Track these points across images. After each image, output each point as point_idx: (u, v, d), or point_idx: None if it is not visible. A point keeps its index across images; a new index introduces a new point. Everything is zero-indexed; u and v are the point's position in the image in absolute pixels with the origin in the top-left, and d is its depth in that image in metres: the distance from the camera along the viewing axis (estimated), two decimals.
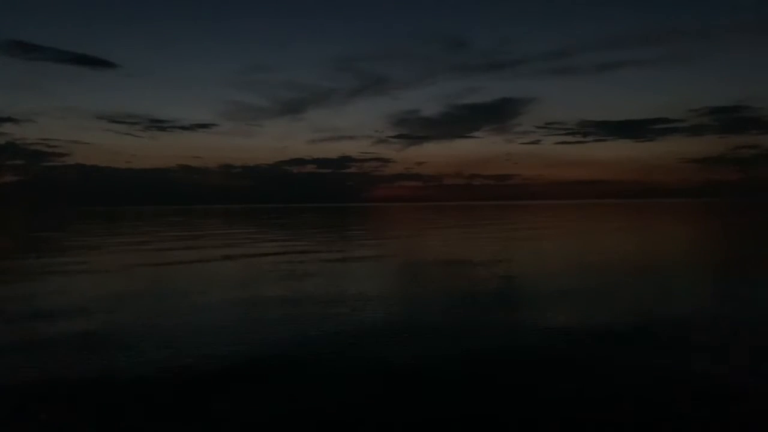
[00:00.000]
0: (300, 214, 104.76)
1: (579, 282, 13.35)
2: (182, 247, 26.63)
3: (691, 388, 5.82)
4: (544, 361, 6.85)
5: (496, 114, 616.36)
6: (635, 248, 22.54)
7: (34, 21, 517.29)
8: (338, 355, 7.18)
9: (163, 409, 5.45)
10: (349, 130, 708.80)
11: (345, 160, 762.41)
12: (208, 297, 11.73)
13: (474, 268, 16.15)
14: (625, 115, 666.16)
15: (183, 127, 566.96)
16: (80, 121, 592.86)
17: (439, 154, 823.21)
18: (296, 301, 11.03)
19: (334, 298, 11.27)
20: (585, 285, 12.87)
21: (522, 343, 7.69)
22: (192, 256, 21.43)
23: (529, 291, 12.12)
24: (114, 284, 13.90)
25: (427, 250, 23.20)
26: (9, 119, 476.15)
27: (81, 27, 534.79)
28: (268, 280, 14.36)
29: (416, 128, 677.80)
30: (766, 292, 12.07)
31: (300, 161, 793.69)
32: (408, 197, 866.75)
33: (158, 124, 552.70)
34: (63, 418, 5.31)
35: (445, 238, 30.66)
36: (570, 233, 33.76)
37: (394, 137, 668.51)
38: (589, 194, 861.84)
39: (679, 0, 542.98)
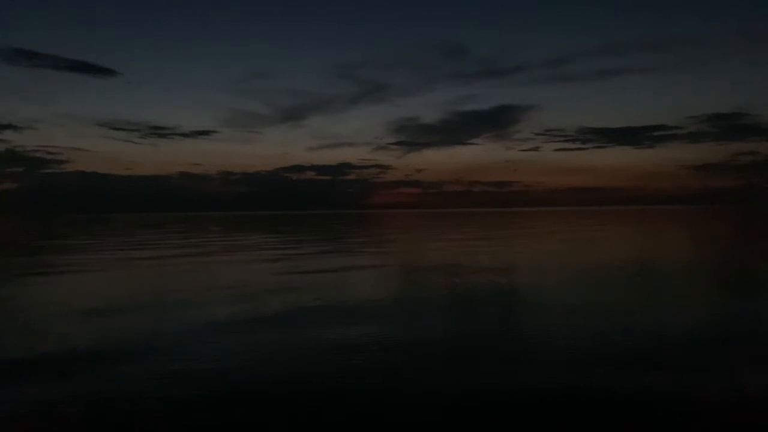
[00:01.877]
0: (307, 220, 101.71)
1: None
2: (239, 260, 23.62)
3: None
4: None
5: (496, 121, 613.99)
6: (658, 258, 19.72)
7: (35, 28, 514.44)
8: None
9: None
10: (348, 137, 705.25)
11: (344, 167, 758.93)
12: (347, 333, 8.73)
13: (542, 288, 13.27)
14: (624, 122, 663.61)
15: (183, 134, 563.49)
16: (80, 128, 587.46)
17: (438, 160, 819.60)
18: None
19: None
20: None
21: None
22: (252, 274, 18.45)
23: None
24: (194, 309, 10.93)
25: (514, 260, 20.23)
26: (9, 126, 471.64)
27: (81, 34, 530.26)
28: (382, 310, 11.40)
29: (416, 135, 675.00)
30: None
31: (299, 168, 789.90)
32: (408, 204, 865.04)
33: (158, 131, 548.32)
34: None
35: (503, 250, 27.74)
36: (598, 244, 30.90)
37: (394, 144, 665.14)
38: (588, 201, 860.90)
39: (678, 7, 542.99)
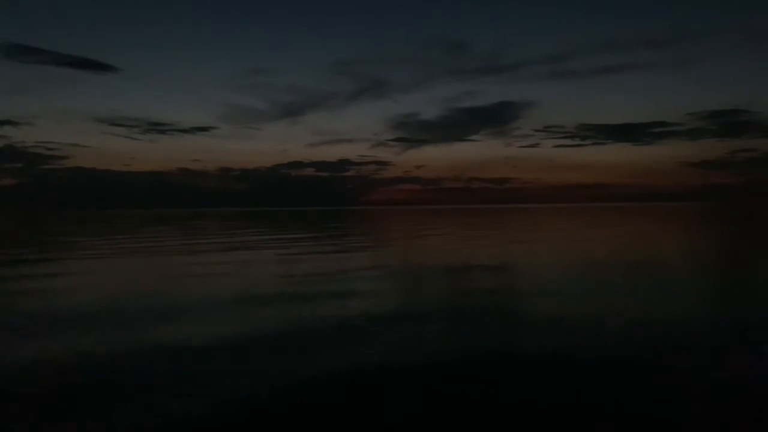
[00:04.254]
0: (323, 218, 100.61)
1: None
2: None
3: None
4: None
5: (495, 117, 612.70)
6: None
7: (34, 24, 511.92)
8: None
9: None
10: (348, 133, 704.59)
11: (344, 164, 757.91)
12: None
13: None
14: (623, 118, 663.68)
15: (182, 130, 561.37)
16: (79, 124, 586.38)
17: (437, 157, 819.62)
18: None
19: None
20: None
21: None
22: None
23: None
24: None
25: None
26: (8, 122, 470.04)
27: (80, 30, 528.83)
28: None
29: (415, 132, 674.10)
30: None
31: (299, 164, 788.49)
32: (407, 201, 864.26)
33: (157, 127, 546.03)
34: None
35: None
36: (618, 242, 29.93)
37: (393, 140, 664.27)
38: (587, 198, 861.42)
39: (678, 4, 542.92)
